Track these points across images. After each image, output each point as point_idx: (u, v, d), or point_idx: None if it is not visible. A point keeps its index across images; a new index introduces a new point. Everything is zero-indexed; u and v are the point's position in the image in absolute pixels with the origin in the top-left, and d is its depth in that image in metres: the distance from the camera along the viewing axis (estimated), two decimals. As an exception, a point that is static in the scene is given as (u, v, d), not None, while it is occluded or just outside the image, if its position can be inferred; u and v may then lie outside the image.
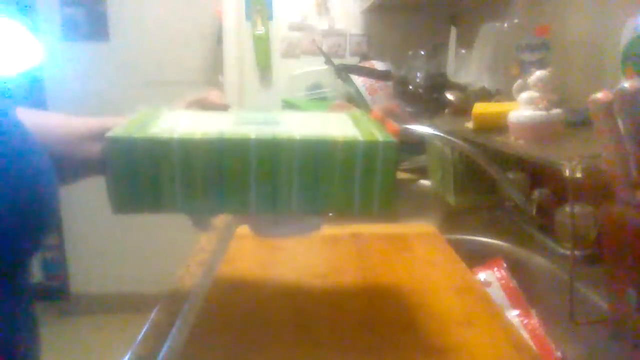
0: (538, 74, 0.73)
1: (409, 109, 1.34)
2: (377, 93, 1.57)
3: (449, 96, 1.15)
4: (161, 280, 1.02)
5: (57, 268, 2.64)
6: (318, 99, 1.85)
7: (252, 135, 0.45)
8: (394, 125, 1.25)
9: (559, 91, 0.82)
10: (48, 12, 2.47)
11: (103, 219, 2.54)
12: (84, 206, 2.15)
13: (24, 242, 0.37)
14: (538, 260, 0.80)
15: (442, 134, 0.96)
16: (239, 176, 0.45)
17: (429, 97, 1.26)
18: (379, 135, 0.47)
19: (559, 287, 0.73)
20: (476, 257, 0.80)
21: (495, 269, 0.78)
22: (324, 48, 1.91)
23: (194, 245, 0.90)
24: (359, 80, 1.60)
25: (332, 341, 0.51)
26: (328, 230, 0.80)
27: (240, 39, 1.97)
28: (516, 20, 1.09)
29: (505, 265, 0.78)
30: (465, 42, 1.32)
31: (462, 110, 1.08)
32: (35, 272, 2.56)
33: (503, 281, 0.76)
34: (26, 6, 2.41)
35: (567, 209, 0.76)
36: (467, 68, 1.28)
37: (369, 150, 0.47)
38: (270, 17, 1.96)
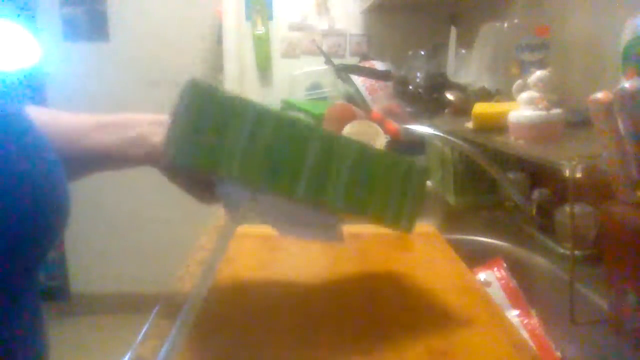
0: (538, 74, 0.73)
1: (409, 109, 1.34)
2: (377, 93, 1.57)
3: (449, 96, 1.15)
4: (161, 280, 1.01)
5: (57, 268, 2.64)
6: (318, 99, 1.85)
7: (320, 128, 0.48)
8: (394, 125, 1.26)
9: (559, 91, 0.82)
10: (48, 12, 2.47)
11: (103, 219, 2.54)
12: (84, 206, 2.15)
13: (36, 244, 0.36)
14: (538, 260, 0.80)
15: (442, 134, 0.96)
16: (296, 160, 0.47)
17: (429, 97, 1.26)
18: (414, 161, 0.55)
19: (559, 287, 0.73)
20: (476, 257, 0.80)
21: (495, 269, 0.78)
22: (324, 48, 1.91)
23: (194, 244, 0.90)
24: (359, 80, 1.60)
25: (332, 341, 0.51)
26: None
27: (240, 39, 1.97)
28: (516, 20, 1.09)
29: (505, 265, 0.78)
30: (465, 42, 1.32)
31: (462, 110, 1.08)
32: (35, 272, 2.56)
33: (503, 281, 0.76)
34: (26, 6, 2.41)
35: (567, 209, 0.76)
36: (467, 68, 1.28)
37: (408, 169, 0.53)
38: (270, 17, 1.96)
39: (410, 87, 1.33)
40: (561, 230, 0.80)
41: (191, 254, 0.85)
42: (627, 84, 0.46)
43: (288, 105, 1.72)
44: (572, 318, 0.58)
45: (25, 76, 2.32)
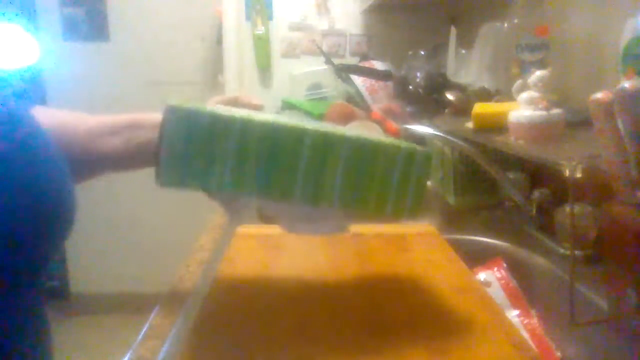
0: (538, 74, 0.73)
1: (409, 109, 1.34)
2: (377, 93, 1.57)
3: (449, 96, 1.15)
4: (161, 280, 1.02)
5: (57, 268, 2.64)
6: (318, 99, 1.85)
7: (309, 127, 0.46)
8: (394, 125, 1.26)
9: (559, 91, 0.82)
10: (48, 12, 2.47)
11: (103, 219, 2.54)
12: (84, 206, 2.14)
13: (42, 246, 0.36)
14: (538, 260, 0.80)
15: (442, 134, 0.96)
16: (289, 164, 0.46)
17: (429, 97, 1.26)
18: (416, 146, 0.52)
19: (559, 287, 0.73)
20: (476, 257, 0.80)
21: (495, 269, 0.78)
22: (324, 48, 1.91)
23: (194, 244, 0.90)
24: (359, 80, 1.60)
25: (332, 341, 0.51)
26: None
27: (240, 39, 1.97)
28: (516, 20, 1.09)
29: (505, 265, 0.78)
30: (465, 42, 1.32)
31: (462, 110, 1.08)
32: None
33: (503, 281, 0.76)
34: (26, 6, 2.41)
35: (567, 209, 0.76)
36: (467, 68, 1.28)
37: (409, 155, 0.51)
38: (270, 17, 1.96)
39: (410, 87, 1.33)
40: (561, 230, 0.80)
41: (191, 254, 0.85)
42: (627, 84, 0.46)
43: (288, 105, 1.72)
44: (572, 318, 0.58)
45: (25, 76, 2.33)
